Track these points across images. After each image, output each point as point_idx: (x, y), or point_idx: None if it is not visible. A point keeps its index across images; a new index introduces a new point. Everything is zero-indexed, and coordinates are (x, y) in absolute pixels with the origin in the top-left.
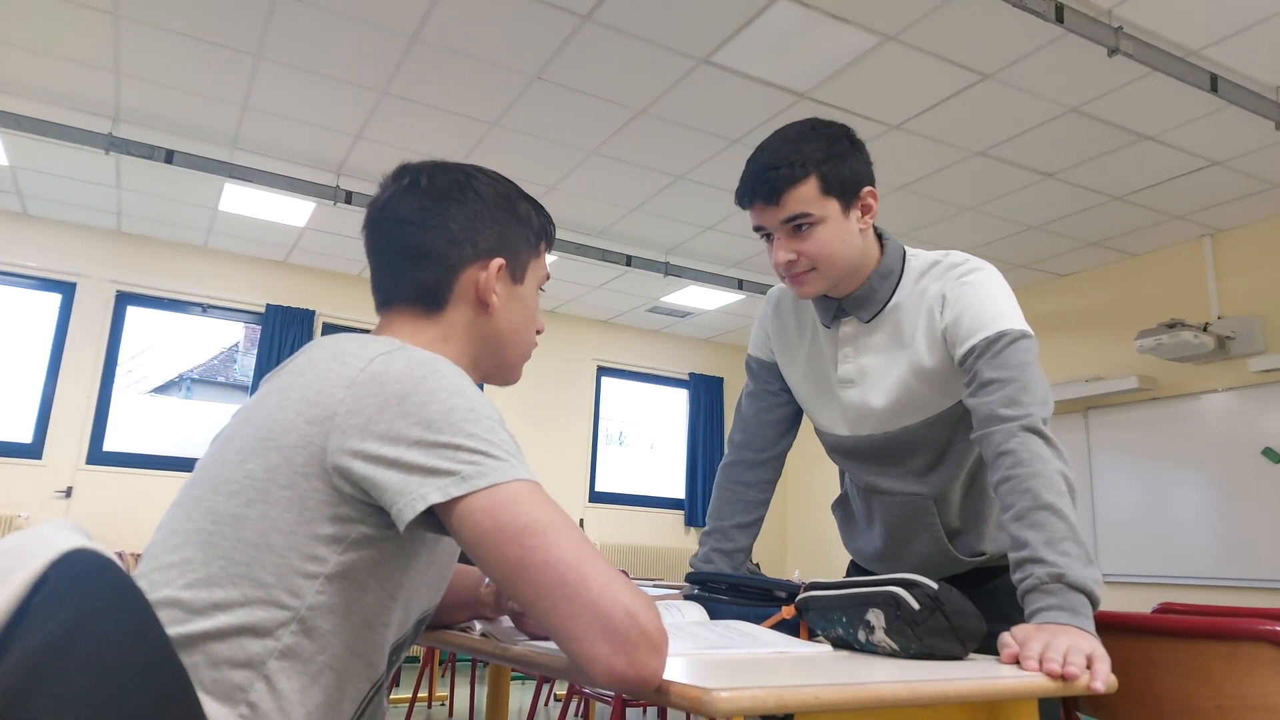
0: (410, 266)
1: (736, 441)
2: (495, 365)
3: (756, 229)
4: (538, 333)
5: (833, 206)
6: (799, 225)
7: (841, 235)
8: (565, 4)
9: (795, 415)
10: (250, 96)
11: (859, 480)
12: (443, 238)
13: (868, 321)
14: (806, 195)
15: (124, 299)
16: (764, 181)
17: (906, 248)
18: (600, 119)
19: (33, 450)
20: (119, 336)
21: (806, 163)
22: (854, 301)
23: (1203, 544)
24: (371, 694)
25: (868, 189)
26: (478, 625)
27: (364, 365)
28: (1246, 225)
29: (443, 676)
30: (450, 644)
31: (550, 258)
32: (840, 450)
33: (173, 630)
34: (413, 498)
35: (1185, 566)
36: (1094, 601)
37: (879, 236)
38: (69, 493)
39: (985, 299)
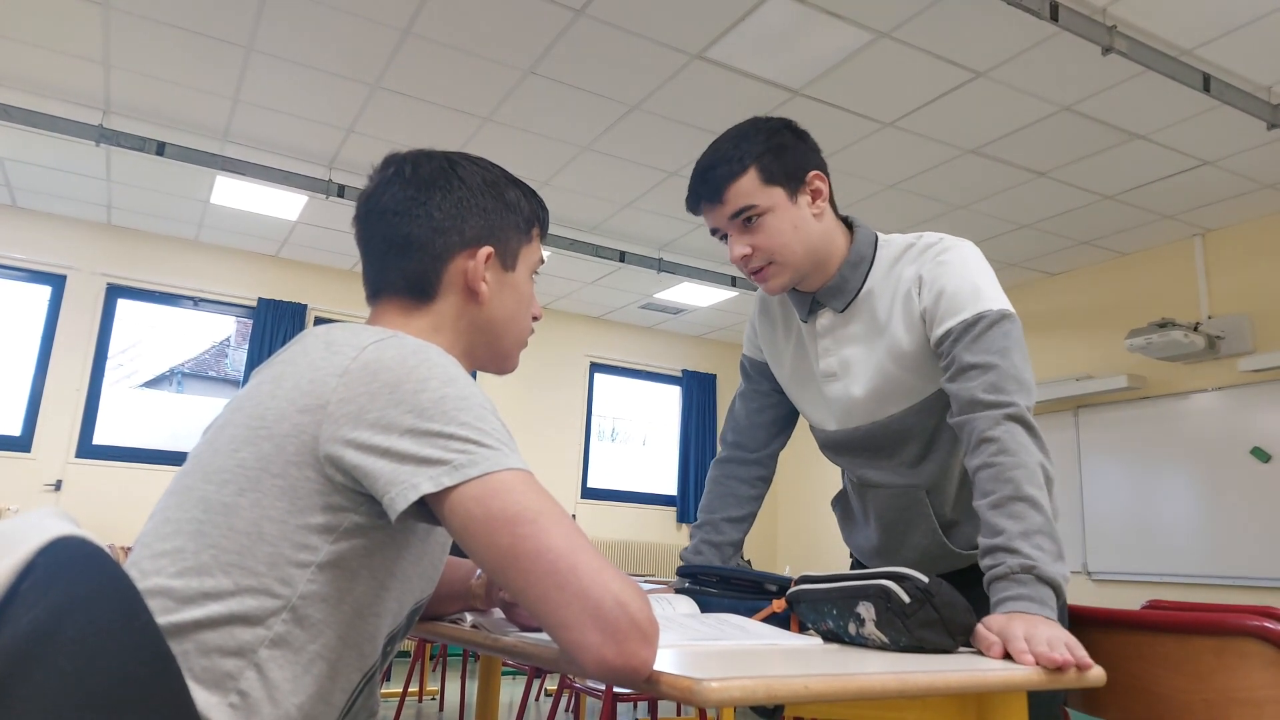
0: (397, 257)
1: (729, 441)
2: (490, 354)
3: (712, 231)
4: (535, 319)
5: (777, 195)
6: (747, 219)
7: (793, 223)
8: None
9: (788, 416)
10: (242, 89)
11: (853, 475)
12: (427, 227)
13: (842, 311)
14: (747, 187)
15: (114, 292)
16: (705, 181)
17: (880, 234)
18: (594, 114)
19: (21, 443)
20: (109, 329)
21: (744, 157)
22: (827, 293)
23: (1191, 542)
24: (363, 684)
25: (814, 173)
26: (469, 617)
27: (356, 354)
28: (1237, 225)
29: (433, 671)
30: (442, 636)
31: (545, 251)
32: (831, 445)
33: (163, 619)
34: (404, 487)
35: (1173, 565)
36: (1060, 596)
37: (849, 225)
38: (58, 485)
39: (962, 278)
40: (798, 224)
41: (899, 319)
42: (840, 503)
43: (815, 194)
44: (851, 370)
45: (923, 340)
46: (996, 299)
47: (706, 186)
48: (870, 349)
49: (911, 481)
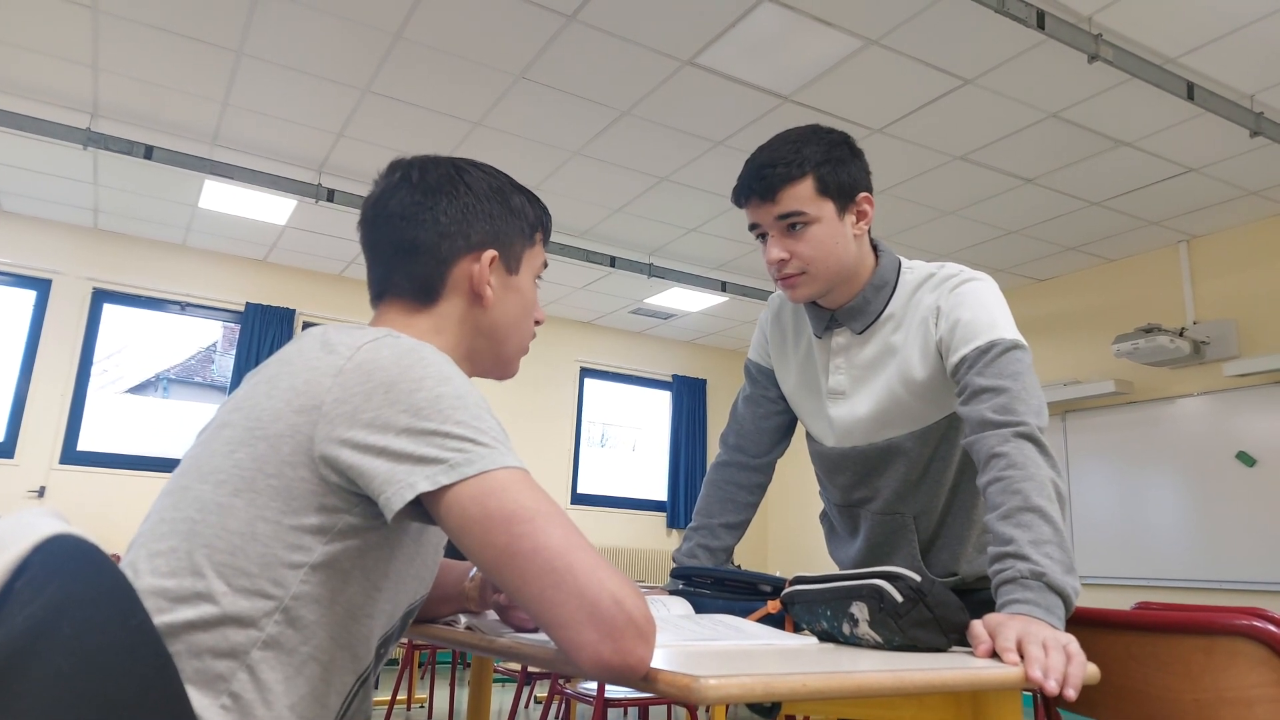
0: (403, 260)
1: (731, 444)
2: (493, 358)
3: (751, 227)
4: (537, 323)
5: (828, 208)
6: (793, 224)
7: (835, 238)
8: (550, 4)
9: (789, 425)
10: (231, 93)
11: (846, 498)
12: (433, 231)
13: (860, 333)
14: (802, 194)
15: (100, 297)
16: (760, 178)
17: (903, 259)
18: (584, 119)
19: (5, 449)
20: (95, 335)
21: (804, 163)
22: (847, 313)
23: (1178, 546)
24: (358, 686)
25: (864, 195)
26: (463, 619)
27: (351, 354)
28: (1221, 231)
29: (422, 678)
30: (436, 638)
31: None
32: (826, 461)
33: (156, 619)
34: (401, 486)
35: (1161, 568)
36: (1069, 607)
37: (875, 248)
38: (42, 492)
39: (978, 309)
40: (839, 240)
41: (914, 345)
42: (827, 520)
43: (860, 215)
44: (860, 391)
45: (935, 369)
46: (1009, 330)
47: (761, 183)
48: (882, 372)
49: (899, 508)
